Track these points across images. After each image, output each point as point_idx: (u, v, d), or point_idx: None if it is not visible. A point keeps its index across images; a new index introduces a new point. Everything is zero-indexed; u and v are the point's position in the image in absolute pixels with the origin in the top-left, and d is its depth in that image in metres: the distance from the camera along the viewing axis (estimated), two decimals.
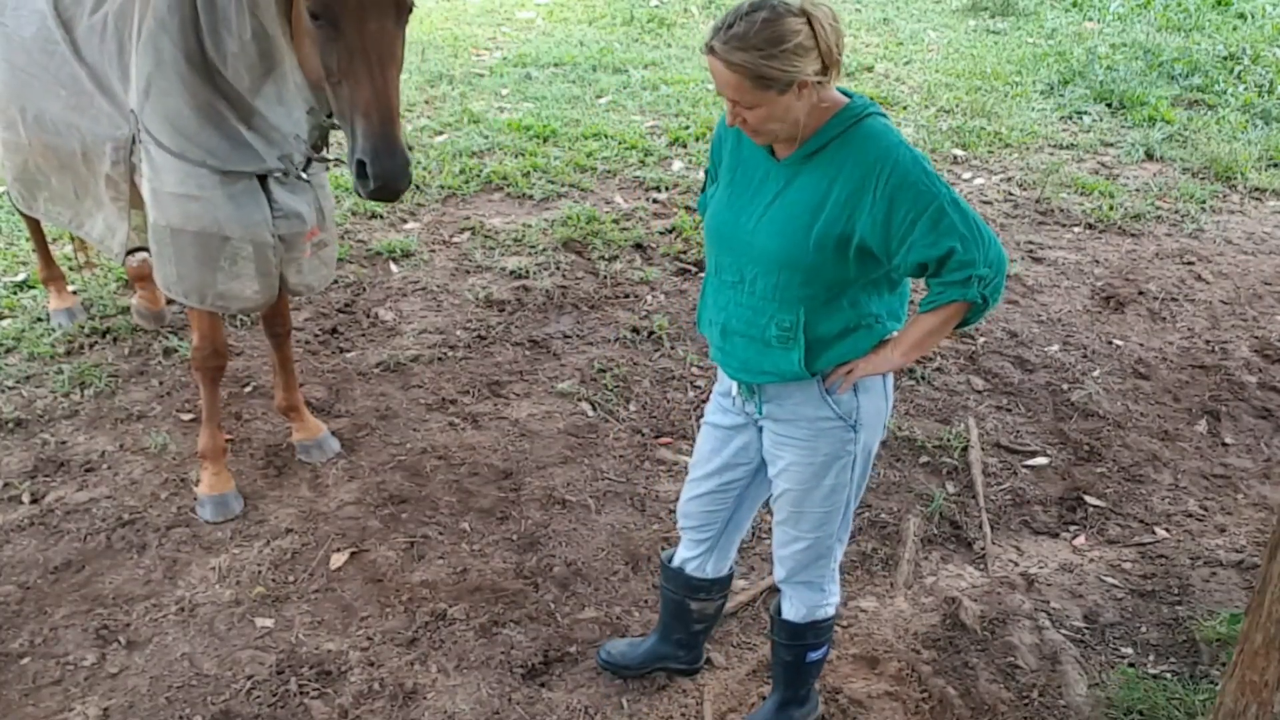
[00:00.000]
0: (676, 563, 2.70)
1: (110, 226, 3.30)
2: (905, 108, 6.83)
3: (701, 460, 2.52)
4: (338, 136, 3.03)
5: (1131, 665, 2.96)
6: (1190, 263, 5.17)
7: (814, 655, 2.60)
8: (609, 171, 5.78)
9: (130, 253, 3.35)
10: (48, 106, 3.22)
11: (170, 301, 4.12)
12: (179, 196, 2.90)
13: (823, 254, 2.08)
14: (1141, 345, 4.51)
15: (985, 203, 5.67)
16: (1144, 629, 3.11)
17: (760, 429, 2.39)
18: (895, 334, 2.24)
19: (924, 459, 3.77)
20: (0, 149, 3.57)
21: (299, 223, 3.02)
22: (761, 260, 2.15)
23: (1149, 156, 6.28)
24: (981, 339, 4.47)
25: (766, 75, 1.94)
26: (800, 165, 2.11)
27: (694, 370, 4.19)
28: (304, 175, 2.98)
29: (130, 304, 4.31)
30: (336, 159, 3.08)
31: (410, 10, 2.60)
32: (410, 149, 5.86)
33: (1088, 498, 3.64)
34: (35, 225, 4.12)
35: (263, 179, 2.94)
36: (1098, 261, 5.14)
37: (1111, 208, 5.61)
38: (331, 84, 2.61)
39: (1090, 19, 8.73)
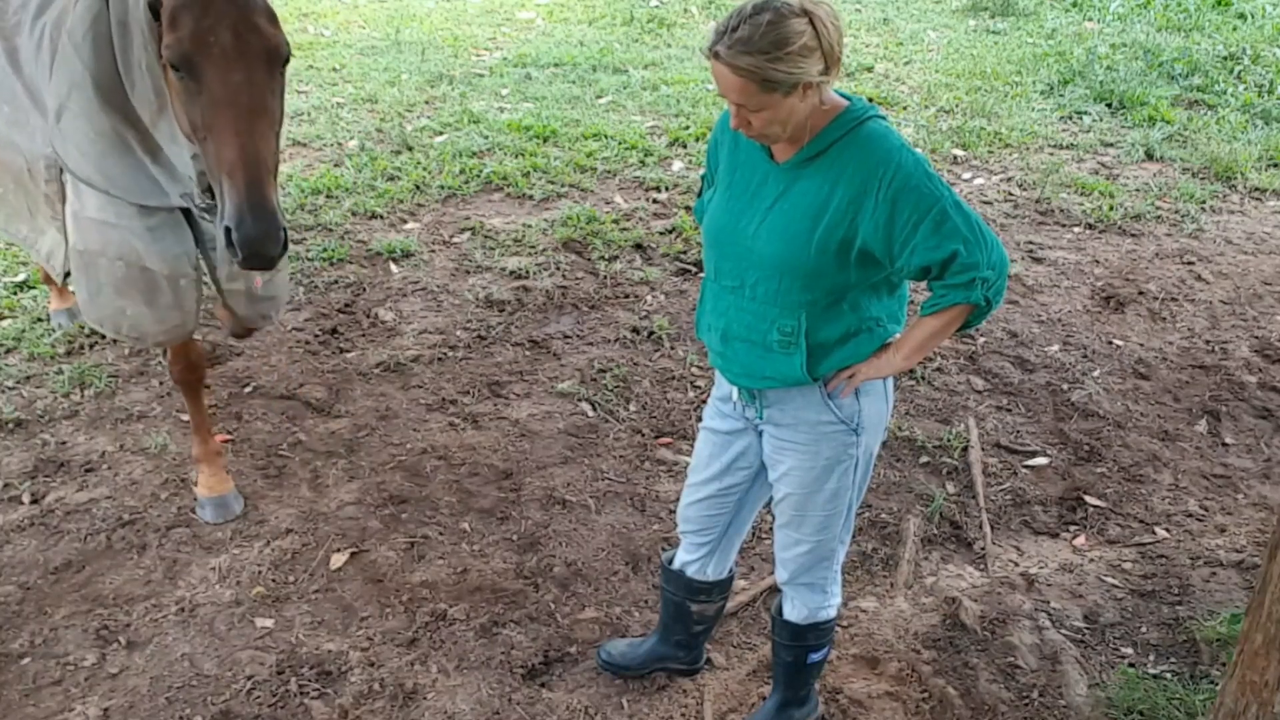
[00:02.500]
0: (677, 565, 2.69)
1: (54, 244, 3.11)
2: (905, 108, 6.83)
3: (700, 465, 2.51)
4: None
5: (1131, 665, 2.96)
6: (1190, 263, 5.17)
7: (815, 656, 2.60)
8: (609, 171, 5.78)
9: (68, 274, 3.12)
10: None
11: None
12: (98, 223, 2.77)
13: (824, 258, 2.08)
14: (1141, 345, 4.51)
15: (985, 203, 5.67)
16: (1144, 629, 3.11)
17: (760, 433, 2.38)
18: (897, 337, 2.23)
19: (924, 459, 3.77)
20: None
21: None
22: (763, 265, 2.14)
23: (1149, 156, 6.28)
24: (981, 339, 4.47)
25: (772, 79, 1.92)
26: (801, 169, 2.10)
27: (694, 370, 4.19)
28: (207, 217, 2.72)
29: None
30: None
31: (286, 60, 2.37)
32: (408, 147, 5.88)
33: (1088, 498, 3.64)
34: None
35: (187, 211, 2.79)
36: (1098, 261, 5.14)
37: (1111, 208, 5.61)
38: (199, 139, 2.39)
39: (1090, 19, 8.73)
